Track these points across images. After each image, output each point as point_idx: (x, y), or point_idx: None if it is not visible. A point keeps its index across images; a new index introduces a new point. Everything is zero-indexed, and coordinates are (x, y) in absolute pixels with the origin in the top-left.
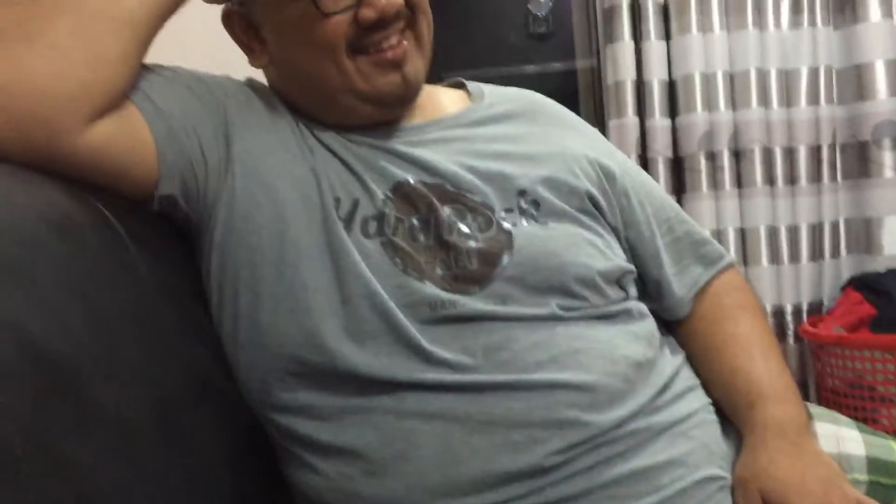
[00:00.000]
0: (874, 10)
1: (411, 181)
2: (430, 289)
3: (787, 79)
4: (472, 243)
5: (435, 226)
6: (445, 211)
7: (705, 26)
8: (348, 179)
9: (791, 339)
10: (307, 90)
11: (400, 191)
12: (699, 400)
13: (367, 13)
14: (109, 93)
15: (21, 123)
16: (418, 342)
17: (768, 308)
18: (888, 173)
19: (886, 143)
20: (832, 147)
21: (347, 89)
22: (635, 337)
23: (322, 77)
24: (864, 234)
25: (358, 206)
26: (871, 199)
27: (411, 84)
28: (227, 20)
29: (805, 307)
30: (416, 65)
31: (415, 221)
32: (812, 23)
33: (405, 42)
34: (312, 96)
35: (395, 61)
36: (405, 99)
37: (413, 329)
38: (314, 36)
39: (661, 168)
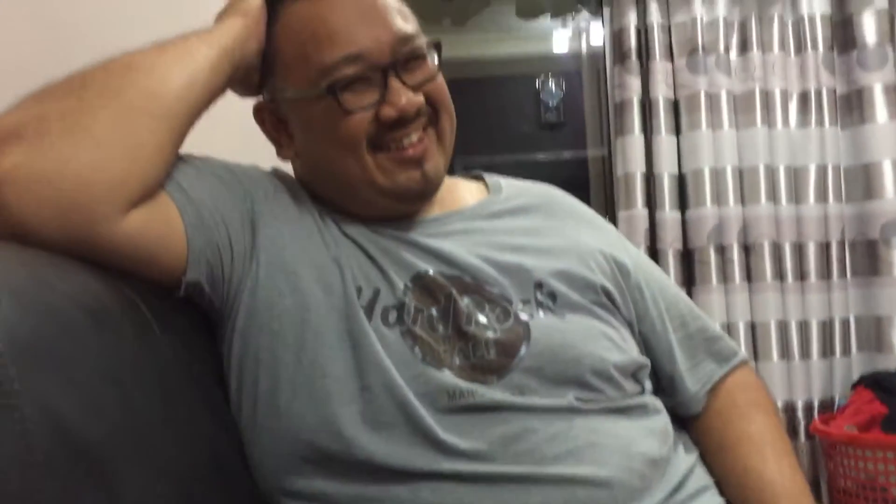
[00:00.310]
0: (881, 111)
1: (431, 272)
2: (449, 378)
3: (796, 176)
4: (490, 334)
5: (454, 316)
6: (464, 301)
7: (715, 123)
8: (370, 269)
9: (802, 437)
10: (331, 183)
11: (420, 281)
12: (713, 500)
13: (388, 112)
14: (146, 183)
15: (62, 212)
16: (435, 433)
17: (779, 404)
18: None
19: (895, 241)
20: (841, 244)
21: (368, 184)
22: (651, 432)
23: (344, 171)
24: (874, 333)
25: (379, 296)
26: (880, 297)
27: (431, 180)
28: (258, 114)
29: (816, 404)
30: (437, 161)
31: (434, 312)
32: (820, 122)
33: (426, 139)
34: (335, 188)
35: (415, 158)
36: (424, 195)
37: (430, 419)
38: (337, 132)
39: (671, 260)
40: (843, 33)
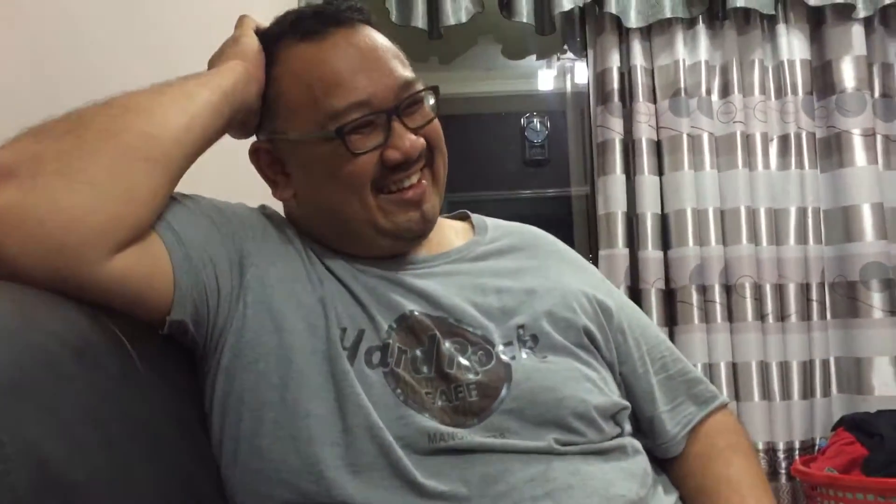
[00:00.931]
0: (859, 155)
1: (416, 313)
2: (430, 421)
3: (776, 217)
4: (472, 376)
5: (436, 358)
6: (446, 344)
7: (697, 164)
8: (355, 310)
9: (784, 478)
10: (329, 222)
11: (404, 322)
12: None
13: (393, 154)
14: (138, 226)
15: (49, 252)
16: (414, 477)
17: (760, 445)
18: (877, 314)
19: (874, 284)
20: (821, 286)
21: (369, 224)
22: (630, 475)
23: (345, 211)
24: (854, 374)
25: (363, 337)
26: (860, 339)
27: (429, 220)
28: (255, 155)
29: (797, 445)
30: (433, 202)
31: (418, 353)
32: (799, 165)
33: (424, 181)
34: (333, 228)
35: (415, 200)
36: (422, 234)
37: (410, 463)
38: (342, 173)
39: (653, 299)
40: (823, 79)
